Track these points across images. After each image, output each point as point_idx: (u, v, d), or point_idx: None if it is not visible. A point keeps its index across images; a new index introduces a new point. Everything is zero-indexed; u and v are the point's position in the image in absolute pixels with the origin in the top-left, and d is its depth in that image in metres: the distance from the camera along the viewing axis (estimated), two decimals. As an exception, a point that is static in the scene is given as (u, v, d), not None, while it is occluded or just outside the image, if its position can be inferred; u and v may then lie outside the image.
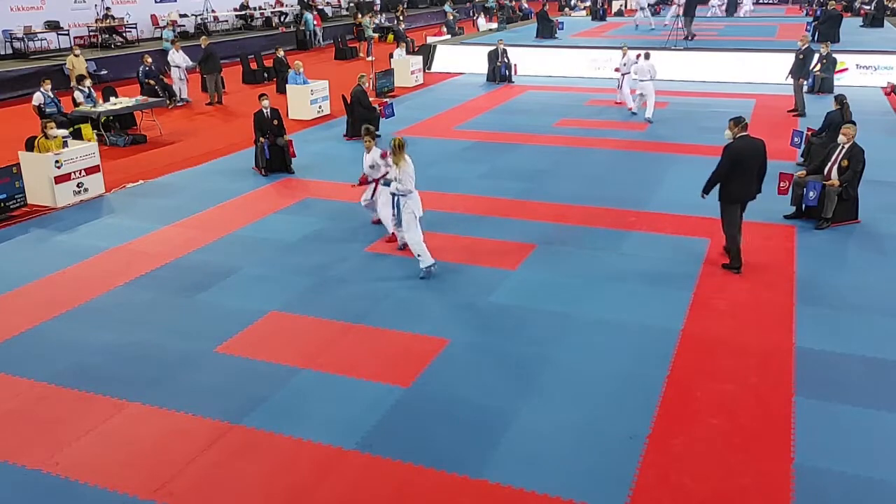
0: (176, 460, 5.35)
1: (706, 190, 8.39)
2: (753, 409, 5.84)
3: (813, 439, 5.46)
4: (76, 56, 18.71)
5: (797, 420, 5.69)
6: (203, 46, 19.17)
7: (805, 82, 16.35)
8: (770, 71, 20.05)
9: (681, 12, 25.63)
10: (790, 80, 16.19)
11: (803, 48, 16.04)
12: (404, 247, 8.98)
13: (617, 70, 17.55)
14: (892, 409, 5.82)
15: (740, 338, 6.93)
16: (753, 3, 38.32)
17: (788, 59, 19.60)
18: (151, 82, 18.10)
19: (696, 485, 5.02)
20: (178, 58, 18.77)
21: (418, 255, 8.25)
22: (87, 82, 15.28)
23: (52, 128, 11.21)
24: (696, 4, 25.98)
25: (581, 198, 10.91)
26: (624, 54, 17.16)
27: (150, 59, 18.43)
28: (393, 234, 9.39)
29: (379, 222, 9.88)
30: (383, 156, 8.77)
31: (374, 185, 9.31)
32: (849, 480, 5.05)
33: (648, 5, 32.40)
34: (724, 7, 36.44)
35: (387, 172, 8.80)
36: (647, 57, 15.85)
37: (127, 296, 8.05)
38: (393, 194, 8.37)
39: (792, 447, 5.38)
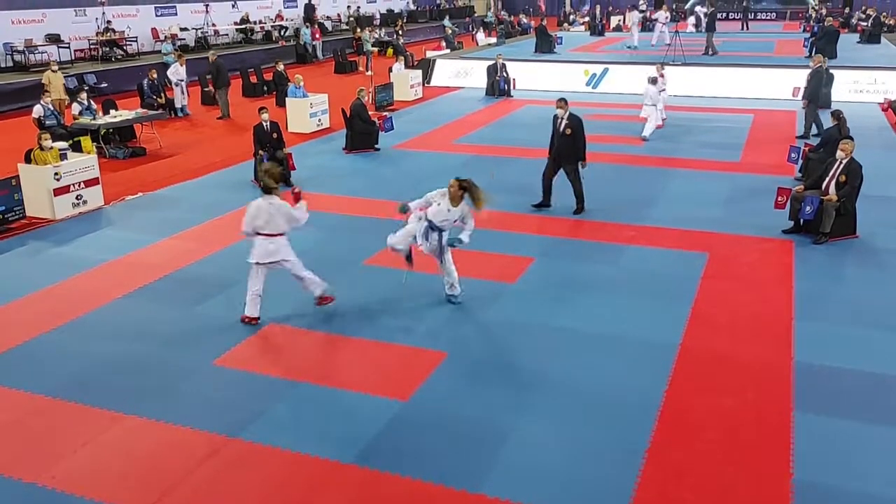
0: (172, 473, 5.32)
1: (584, 157, 10.70)
2: (752, 424, 5.82)
3: (812, 454, 5.44)
4: (53, 72, 17.27)
5: (796, 435, 5.67)
6: (211, 61, 19.17)
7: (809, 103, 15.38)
8: (768, 86, 20.14)
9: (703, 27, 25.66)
10: (804, 104, 15.40)
11: (815, 68, 15.77)
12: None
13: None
14: (891, 423, 5.81)
15: (739, 352, 6.92)
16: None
17: (786, 75, 19.85)
18: (158, 99, 18.16)
19: (695, 499, 5.00)
20: (182, 72, 18.94)
21: (454, 285, 7.92)
22: (83, 95, 15.32)
23: (46, 139, 11.20)
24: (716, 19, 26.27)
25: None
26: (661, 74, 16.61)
27: (155, 74, 18.49)
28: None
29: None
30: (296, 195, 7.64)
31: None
32: (848, 496, 5.03)
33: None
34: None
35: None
36: (653, 82, 15.79)
37: (125, 308, 8.03)
38: (440, 229, 7.70)
39: (791, 462, 5.36)
